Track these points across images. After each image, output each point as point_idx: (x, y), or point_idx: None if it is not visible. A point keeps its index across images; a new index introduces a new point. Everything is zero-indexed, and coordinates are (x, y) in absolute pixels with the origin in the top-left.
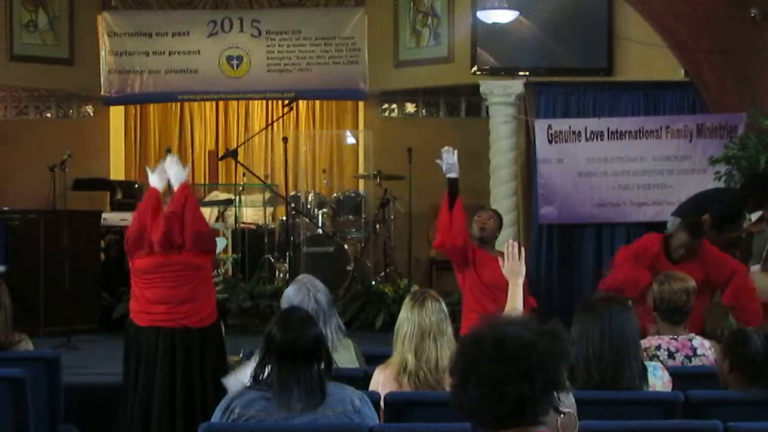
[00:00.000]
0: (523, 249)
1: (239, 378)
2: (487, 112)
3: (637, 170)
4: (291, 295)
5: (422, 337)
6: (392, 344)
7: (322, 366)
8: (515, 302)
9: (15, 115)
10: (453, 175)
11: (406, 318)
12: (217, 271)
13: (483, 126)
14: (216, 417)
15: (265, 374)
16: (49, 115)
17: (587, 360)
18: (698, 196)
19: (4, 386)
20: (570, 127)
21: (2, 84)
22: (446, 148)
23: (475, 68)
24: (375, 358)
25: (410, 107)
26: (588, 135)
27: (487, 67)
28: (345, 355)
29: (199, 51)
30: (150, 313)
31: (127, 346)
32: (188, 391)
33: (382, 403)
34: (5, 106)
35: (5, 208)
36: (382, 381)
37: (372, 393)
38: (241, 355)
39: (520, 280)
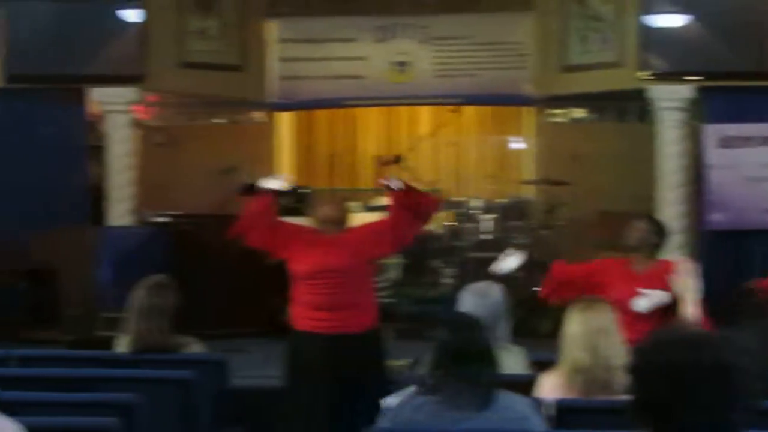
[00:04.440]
0: (694, 265)
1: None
2: (655, 118)
3: None
4: (466, 300)
5: (593, 336)
6: (559, 350)
7: (491, 371)
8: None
9: (185, 121)
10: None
11: (575, 320)
12: (384, 276)
13: (649, 131)
14: (383, 422)
15: (434, 379)
16: (218, 121)
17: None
18: None
19: (172, 388)
20: (742, 132)
21: (172, 90)
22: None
23: (643, 73)
24: (540, 365)
25: (577, 112)
26: (762, 140)
27: (656, 71)
28: (513, 362)
29: (366, 57)
30: (312, 318)
31: (289, 351)
32: (350, 397)
33: (550, 410)
34: (176, 113)
35: (176, 213)
36: (549, 387)
37: (539, 399)
38: (405, 360)
39: (693, 297)
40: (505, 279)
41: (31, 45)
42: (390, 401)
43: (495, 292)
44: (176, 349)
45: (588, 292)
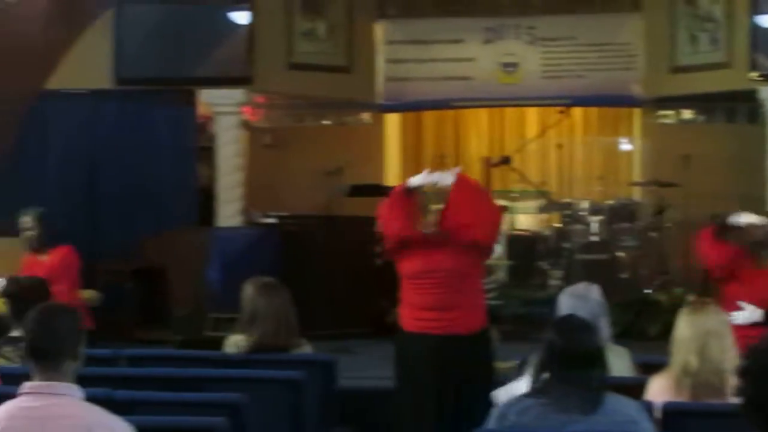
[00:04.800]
0: None
1: (510, 392)
2: (766, 119)
3: None
4: (565, 302)
5: (704, 339)
6: (669, 353)
7: (600, 374)
8: None
9: (293, 123)
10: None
11: (687, 323)
12: (491, 278)
13: (760, 132)
14: (490, 424)
15: (542, 381)
16: (326, 122)
17: None
18: None
19: (281, 388)
20: None
21: (281, 92)
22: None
23: (753, 73)
24: (649, 367)
25: (686, 114)
26: None
27: (766, 72)
28: (618, 364)
29: (474, 58)
30: (419, 318)
31: (397, 352)
32: (457, 398)
33: (658, 413)
34: (284, 114)
35: (283, 214)
36: (659, 390)
37: (648, 402)
38: (512, 362)
39: None
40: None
41: (141, 47)
42: (501, 393)
43: (594, 293)
44: (286, 349)
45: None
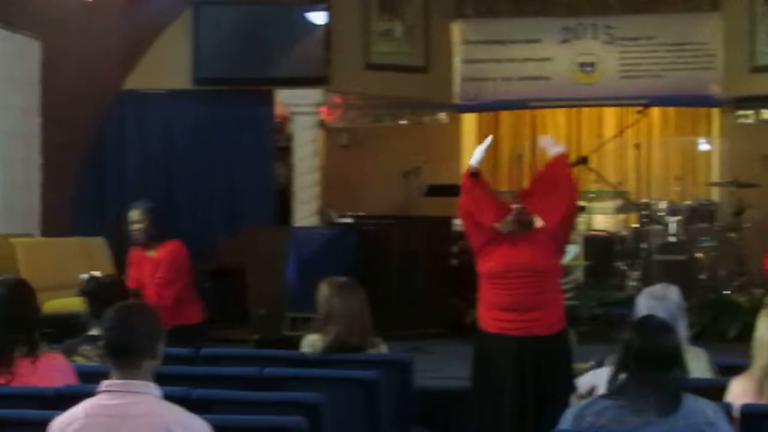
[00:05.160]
0: None
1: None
2: None
3: None
4: (643, 303)
5: None
6: (749, 355)
7: (678, 375)
8: None
9: (370, 122)
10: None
11: (765, 324)
12: (568, 278)
13: None
14: (566, 425)
15: (619, 382)
16: (403, 122)
17: None
18: None
19: (358, 388)
20: None
21: (357, 92)
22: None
23: None
24: (728, 369)
25: (766, 113)
26: None
27: None
28: (696, 365)
29: (551, 58)
30: (499, 319)
31: (476, 352)
32: (538, 399)
33: (737, 415)
34: (361, 114)
35: (359, 214)
36: (741, 392)
37: (726, 404)
38: (590, 362)
39: None
40: None
41: (219, 48)
42: (585, 379)
43: (673, 294)
44: (361, 349)
45: None
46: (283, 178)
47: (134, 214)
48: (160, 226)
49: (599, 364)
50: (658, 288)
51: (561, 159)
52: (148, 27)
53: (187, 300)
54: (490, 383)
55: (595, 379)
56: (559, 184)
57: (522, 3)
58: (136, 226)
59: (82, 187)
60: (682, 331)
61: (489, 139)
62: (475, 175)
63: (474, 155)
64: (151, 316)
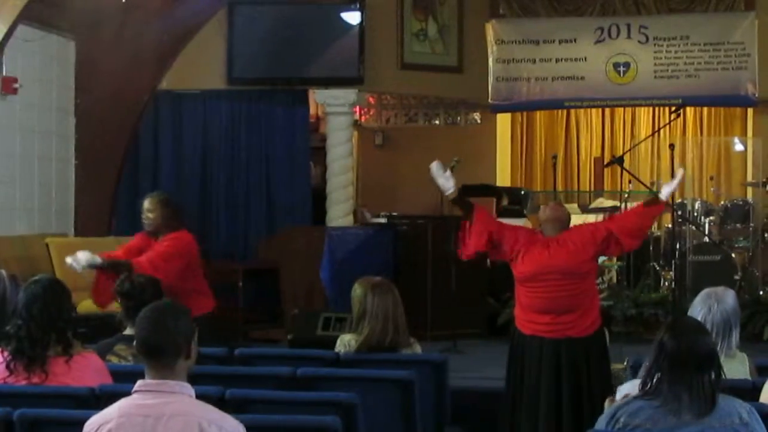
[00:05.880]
0: None
1: (629, 388)
2: None
3: None
4: (699, 304)
5: None
6: None
7: (713, 376)
8: None
9: (405, 122)
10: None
11: None
12: (602, 278)
13: None
14: (601, 426)
15: (654, 383)
16: (437, 122)
17: None
18: None
19: (392, 388)
20: None
21: (393, 92)
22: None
23: None
24: (764, 370)
25: None
26: None
27: None
28: (738, 367)
29: (585, 58)
30: (535, 322)
31: (511, 353)
32: (574, 400)
33: None
34: (395, 114)
35: (395, 214)
36: None
37: (761, 405)
38: (625, 363)
39: None
40: None
41: (253, 48)
42: (624, 387)
43: (730, 298)
44: (395, 349)
45: None
46: (317, 178)
47: (147, 203)
48: (173, 219)
49: (634, 365)
50: (717, 290)
51: (659, 209)
52: (184, 27)
53: (198, 292)
54: (525, 384)
55: (634, 389)
56: (644, 226)
57: (556, 3)
58: (148, 215)
59: (117, 188)
60: (735, 336)
61: (437, 165)
62: (455, 201)
63: (441, 186)
64: (185, 316)
